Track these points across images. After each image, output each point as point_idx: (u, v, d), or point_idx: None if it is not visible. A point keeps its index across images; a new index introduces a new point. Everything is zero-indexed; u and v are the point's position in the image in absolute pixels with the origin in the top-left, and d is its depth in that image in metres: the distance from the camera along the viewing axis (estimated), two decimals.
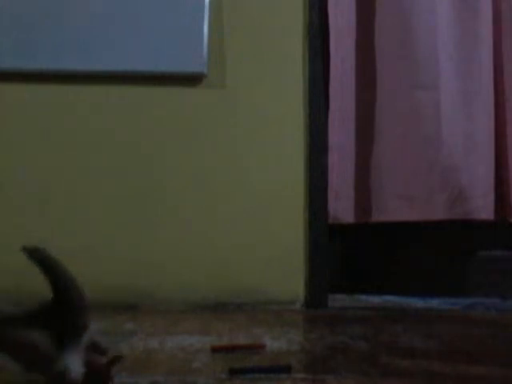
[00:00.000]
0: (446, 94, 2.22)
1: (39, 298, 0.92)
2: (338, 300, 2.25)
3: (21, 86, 2.17)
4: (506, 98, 2.29)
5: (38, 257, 0.92)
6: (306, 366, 1.11)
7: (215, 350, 1.24)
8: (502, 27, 2.31)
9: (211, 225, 2.15)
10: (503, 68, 2.30)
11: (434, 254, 2.42)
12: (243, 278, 2.13)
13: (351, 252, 2.45)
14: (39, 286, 2.18)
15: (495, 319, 1.91)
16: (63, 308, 0.90)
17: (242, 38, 2.23)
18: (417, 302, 2.25)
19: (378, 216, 2.22)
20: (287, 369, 1.04)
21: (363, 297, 2.36)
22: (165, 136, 2.18)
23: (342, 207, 2.22)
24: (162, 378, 0.99)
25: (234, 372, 1.02)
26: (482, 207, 2.22)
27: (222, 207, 2.16)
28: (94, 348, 0.94)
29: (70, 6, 2.16)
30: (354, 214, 2.25)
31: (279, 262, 2.14)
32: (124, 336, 1.44)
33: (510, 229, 2.35)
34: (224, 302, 2.09)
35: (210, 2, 2.20)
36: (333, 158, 2.22)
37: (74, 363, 0.86)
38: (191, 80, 2.20)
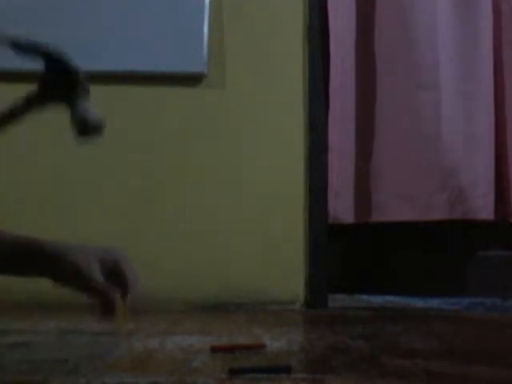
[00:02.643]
0: (446, 94, 2.22)
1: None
2: (338, 300, 2.25)
3: (21, 86, 2.16)
4: (506, 98, 2.29)
5: (27, 44, 1.07)
6: (305, 366, 1.11)
7: (215, 349, 1.24)
8: (502, 27, 2.31)
9: (211, 225, 2.15)
10: (503, 68, 2.30)
11: (434, 253, 2.42)
12: (243, 278, 2.13)
13: (351, 252, 2.45)
14: (40, 286, 2.18)
15: (495, 319, 1.91)
16: (67, 75, 1.09)
17: (242, 38, 2.23)
18: (417, 302, 2.25)
19: (378, 216, 2.22)
20: (287, 369, 1.04)
21: (363, 297, 2.36)
22: (164, 136, 2.18)
23: (341, 207, 2.22)
24: (162, 378, 0.99)
25: (233, 372, 1.02)
26: (482, 207, 2.22)
27: (222, 207, 2.16)
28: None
29: (70, 6, 2.16)
30: (354, 214, 2.25)
31: (279, 262, 2.14)
32: (124, 336, 1.44)
33: (510, 229, 2.35)
34: (224, 302, 2.09)
35: (210, 2, 2.20)
36: (333, 158, 2.22)
37: (90, 109, 1.02)
38: (191, 80, 2.20)
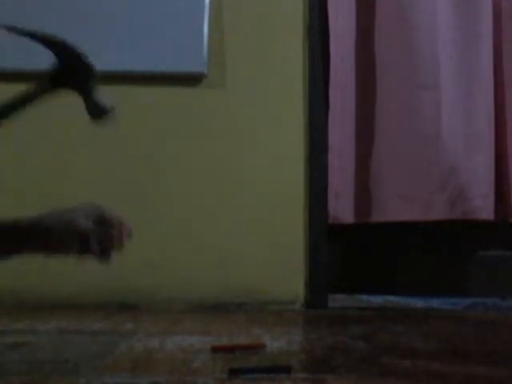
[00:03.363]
0: (447, 93, 2.22)
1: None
2: (338, 300, 2.25)
3: (21, 86, 2.16)
4: (506, 98, 2.29)
5: (30, 32, 1.14)
6: (305, 366, 1.11)
7: (215, 349, 1.24)
8: (502, 27, 2.31)
9: (211, 225, 2.15)
10: (503, 68, 2.30)
11: (434, 253, 2.42)
12: (243, 278, 2.13)
13: (351, 252, 2.45)
14: (40, 286, 2.18)
15: (495, 319, 1.91)
16: (82, 65, 1.20)
17: (242, 38, 2.23)
18: (417, 302, 2.25)
19: (378, 216, 2.22)
20: (287, 369, 1.04)
21: (363, 297, 2.36)
22: (165, 136, 2.18)
23: (341, 207, 2.22)
24: (162, 378, 0.99)
25: (233, 372, 1.02)
26: (482, 207, 2.22)
27: (222, 207, 2.16)
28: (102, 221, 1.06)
29: (70, 6, 2.16)
30: (354, 214, 2.25)
31: (279, 261, 2.14)
32: (124, 336, 1.44)
33: (510, 229, 2.35)
34: (224, 302, 2.09)
35: (210, 2, 2.20)
36: (333, 158, 2.22)
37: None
38: (191, 80, 2.20)
